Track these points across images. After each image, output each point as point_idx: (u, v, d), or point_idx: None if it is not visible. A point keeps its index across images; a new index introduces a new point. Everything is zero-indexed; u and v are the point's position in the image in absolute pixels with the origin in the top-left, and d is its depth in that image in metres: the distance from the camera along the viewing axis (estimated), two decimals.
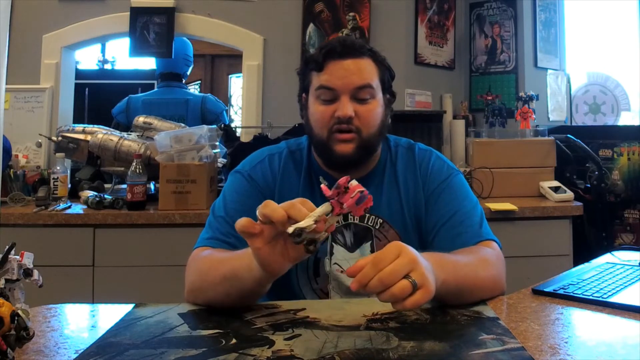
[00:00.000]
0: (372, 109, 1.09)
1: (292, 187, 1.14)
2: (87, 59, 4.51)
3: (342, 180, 0.77)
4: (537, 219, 2.21)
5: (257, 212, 0.78)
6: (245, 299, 0.93)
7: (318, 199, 1.13)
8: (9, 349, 0.68)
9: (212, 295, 0.93)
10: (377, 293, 0.74)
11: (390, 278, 0.73)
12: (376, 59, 1.12)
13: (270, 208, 0.77)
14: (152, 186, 2.33)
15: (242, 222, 0.79)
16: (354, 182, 0.77)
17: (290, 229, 0.74)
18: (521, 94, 2.68)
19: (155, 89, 3.01)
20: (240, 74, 3.25)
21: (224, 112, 2.96)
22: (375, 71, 1.11)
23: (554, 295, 0.98)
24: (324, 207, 0.77)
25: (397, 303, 0.74)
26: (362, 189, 0.77)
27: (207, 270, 0.95)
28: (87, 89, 3.70)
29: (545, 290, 1.00)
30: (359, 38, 2.72)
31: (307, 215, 0.76)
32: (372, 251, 1.11)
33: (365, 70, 1.08)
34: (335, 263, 1.12)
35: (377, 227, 1.12)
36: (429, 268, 0.78)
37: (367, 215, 1.12)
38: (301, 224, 0.74)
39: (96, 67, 4.55)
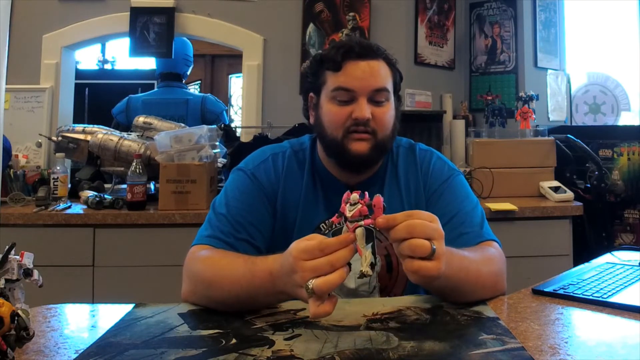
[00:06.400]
0: (387, 112, 1.09)
1: (296, 188, 1.13)
2: (87, 59, 4.51)
3: (355, 196, 0.76)
4: (537, 219, 2.21)
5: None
6: (260, 308, 0.93)
7: (320, 198, 1.14)
8: (9, 349, 0.68)
9: (222, 307, 0.93)
10: (397, 243, 0.76)
11: (416, 230, 0.75)
12: (389, 62, 1.12)
13: (332, 279, 0.74)
14: (152, 186, 2.33)
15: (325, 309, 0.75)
16: (380, 197, 0.76)
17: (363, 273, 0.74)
18: (521, 94, 2.67)
19: (155, 89, 3.02)
20: (240, 74, 3.25)
21: (224, 112, 2.96)
22: (389, 74, 1.11)
23: (554, 295, 0.98)
24: (360, 232, 0.75)
25: (409, 261, 0.75)
26: (381, 198, 0.76)
27: (214, 280, 0.94)
28: (87, 89, 3.70)
29: (545, 290, 1.00)
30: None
31: (350, 250, 0.74)
32: (374, 253, 1.11)
33: (381, 73, 1.08)
34: None
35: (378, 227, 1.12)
36: (446, 254, 0.80)
37: None
38: (365, 267, 0.74)
39: (96, 67, 4.55)
